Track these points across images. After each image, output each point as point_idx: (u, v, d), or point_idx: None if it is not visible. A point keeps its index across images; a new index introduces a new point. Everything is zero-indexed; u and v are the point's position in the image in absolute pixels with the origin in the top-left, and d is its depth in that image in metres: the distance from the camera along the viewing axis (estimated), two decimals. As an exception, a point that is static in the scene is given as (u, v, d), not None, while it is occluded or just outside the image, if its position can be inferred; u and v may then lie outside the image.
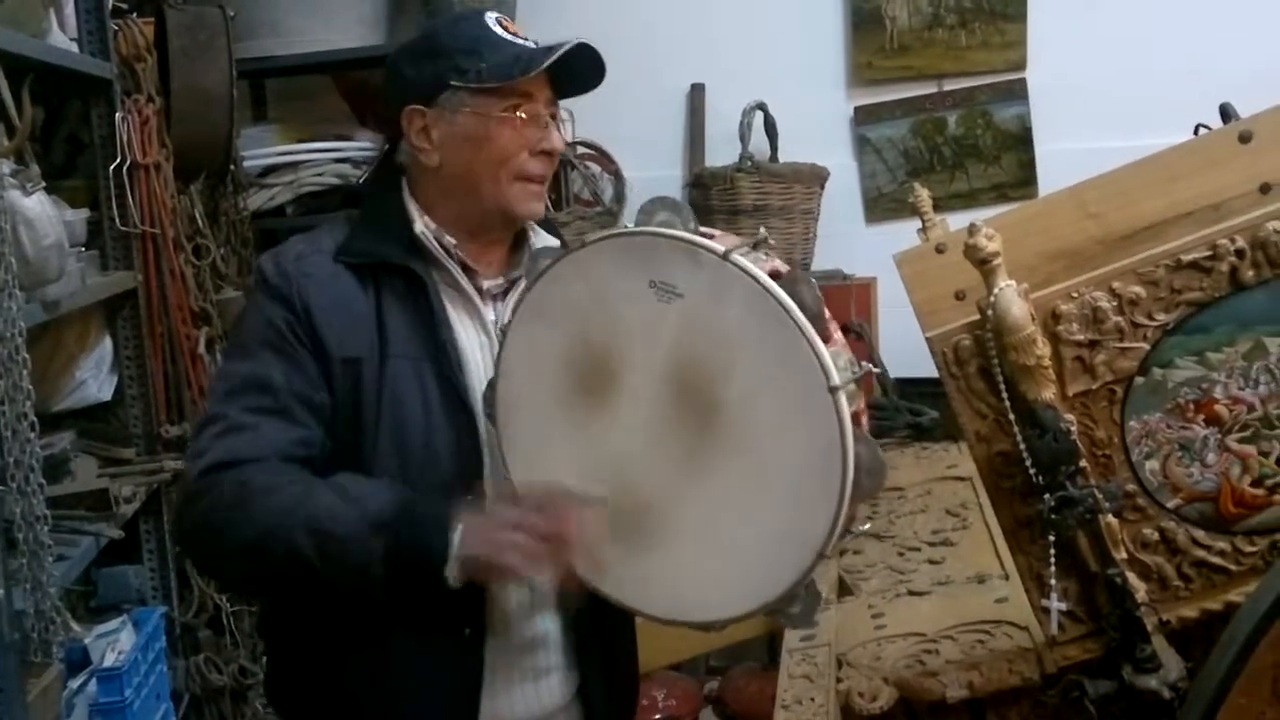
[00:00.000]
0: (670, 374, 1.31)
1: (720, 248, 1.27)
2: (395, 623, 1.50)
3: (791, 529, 1.26)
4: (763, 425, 1.27)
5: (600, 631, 1.61)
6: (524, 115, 1.53)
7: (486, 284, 1.59)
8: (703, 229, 1.33)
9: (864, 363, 1.29)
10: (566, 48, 1.51)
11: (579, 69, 1.56)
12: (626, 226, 1.35)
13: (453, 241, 1.56)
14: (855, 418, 1.26)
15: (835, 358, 1.24)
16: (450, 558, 1.35)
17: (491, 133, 1.53)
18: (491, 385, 1.47)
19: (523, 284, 1.47)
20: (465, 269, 1.58)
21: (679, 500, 1.34)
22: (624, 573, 1.41)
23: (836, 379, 1.22)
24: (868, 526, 2.18)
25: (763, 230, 1.36)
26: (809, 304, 1.25)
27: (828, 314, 1.28)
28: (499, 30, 1.54)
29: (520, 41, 1.55)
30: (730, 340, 1.27)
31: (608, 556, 1.35)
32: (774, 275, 1.27)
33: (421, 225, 1.56)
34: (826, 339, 1.25)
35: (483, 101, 1.53)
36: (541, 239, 1.65)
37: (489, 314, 1.57)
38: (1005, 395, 1.41)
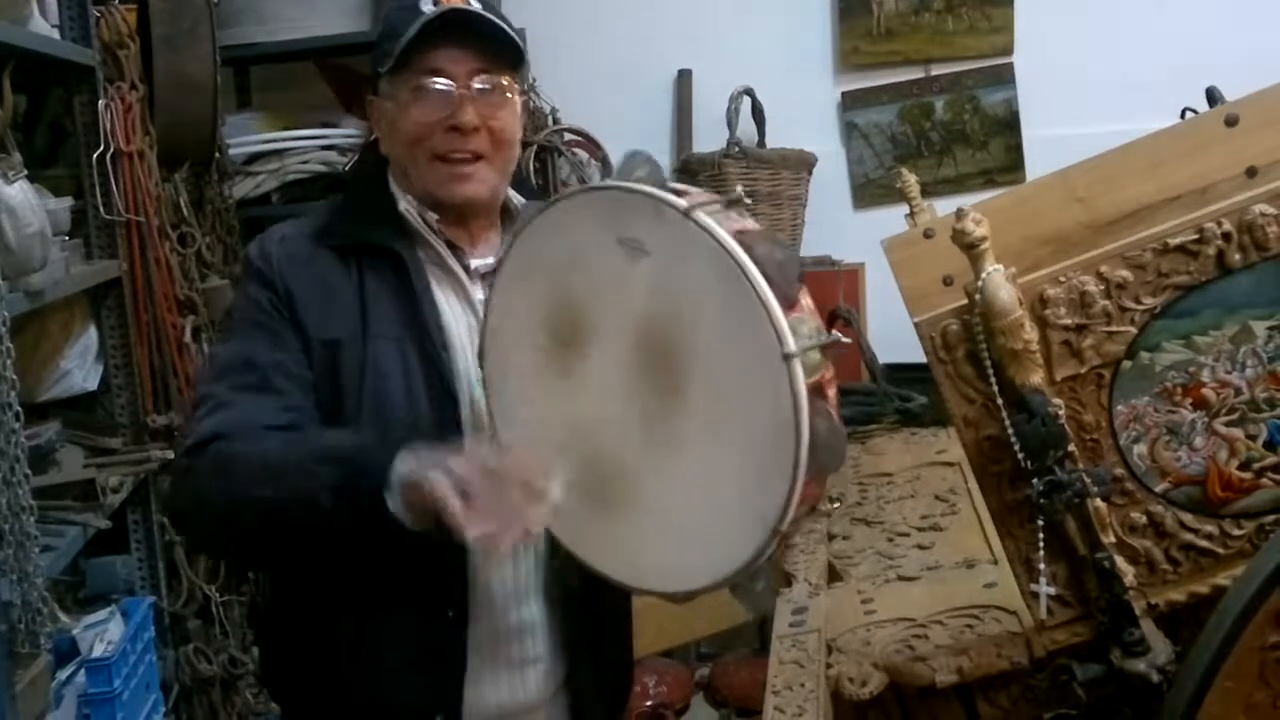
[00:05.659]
0: (639, 334, 1.28)
1: (683, 204, 1.22)
2: (379, 604, 1.51)
3: (749, 503, 1.21)
4: (722, 392, 1.23)
5: (590, 622, 1.60)
6: (435, 85, 1.50)
7: (475, 263, 1.58)
8: (678, 186, 1.29)
9: (832, 331, 1.22)
10: (429, 15, 1.48)
11: (492, 34, 1.52)
12: (601, 181, 1.33)
13: (435, 218, 1.56)
14: (819, 388, 1.20)
15: (799, 324, 1.18)
16: (393, 485, 1.31)
17: (403, 113, 1.53)
18: (482, 335, 1.46)
19: None
20: (452, 248, 1.57)
21: (645, 466, 1.31)
22: (592, 536, 1.39)
23: (792, 346, 1.15)
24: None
25: (739, 188, 1.30)
26: (772, 265, 1.18)
27: (798, 279, 1.22)
28: (427, 6, 1.50)
29: (433, 12, 1.50)
30: (692, 300, 1.23)
31: (562, 518, 1.31)
32: (741, 234, 1.21)
33: (405, 204, 1.56)
34: (792, 304, 1.19)
35: (396, 82, 1.53)
36: None
37: (477, 294, 1.55)
38: (993, 380, 1.41)
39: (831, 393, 1.24)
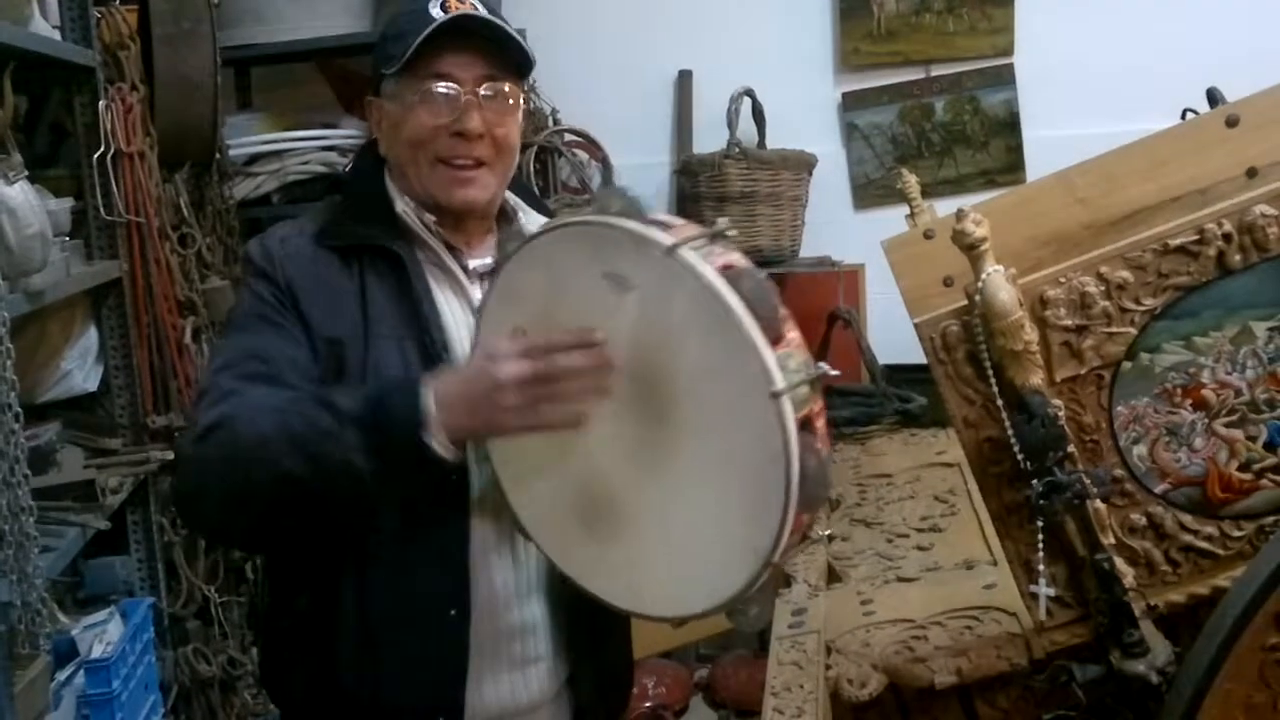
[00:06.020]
0: (626, 367, 1.28)
1: (667, 241, 1.22)
2: (381, 603, 1.50)
3: (739, 534, 1.23)
4: (711, 426, 1.24)
5: (591, 622, 1.59)
6: (442, 89, 1.50)
7: (473, 263, 1.58)
8: (663, 218, 1.30)
9: (820, 364, 1.23)
10: (442, 19, 1.48)
11: (501, 42, 1.53)
12: (583, 214, 1.32)
13: (433, 219, 1.56)
14: (808, 421, 1.21)
15: (786, 359, 1.19)
16: (427, 425, 1.31)
17: (408, 115, 1.53)
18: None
19: None
20: (450, 248, 1.57)
21: (638, 495, 1.32)
22: (587, 561, 1.40)
23: (779, 383, 1.16)
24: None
25: (722, 221, 1.30)
26: (758, 302, 1.19)
27: (783, 313, 1.23)
28: (435, 11, 1.50)
29: (443, 18, 1.50)
30: (678, 337, 1.24)
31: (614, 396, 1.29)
32: (726, 269, 1.22)
33: (402, 205, 1.56)
34: (778, 339, 1.20)
35: (402, 85, 1.53)
36: (532, 220, 1.63)
37: (476, 293, 1.56)
38: (993, 381, 1.41)
39: (820, 424, 1.25)
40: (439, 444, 1.32)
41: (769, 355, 1.17)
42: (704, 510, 1.26)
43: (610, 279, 1.27)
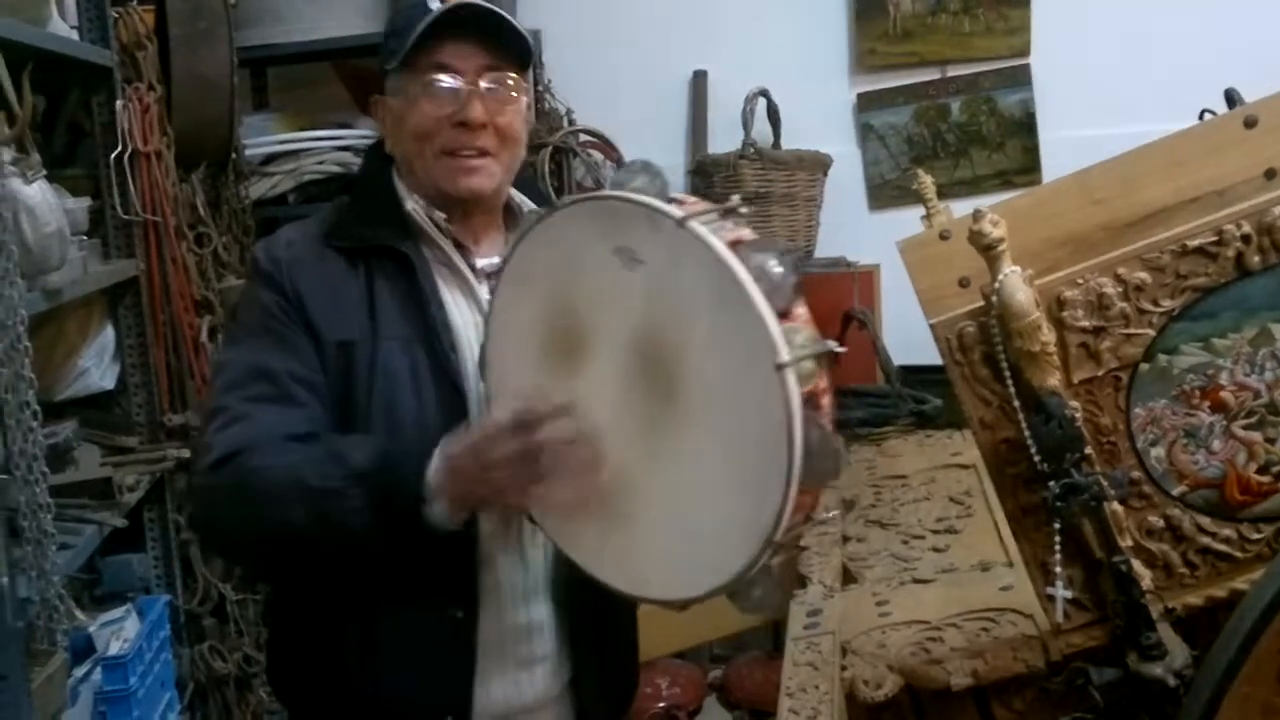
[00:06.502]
0: (634, 343, 1.28)
1: (678, 213, 1.22)
2: (387, 603, 1.51)
3: (742, 512, 1.21)
4: (717, 401, 1.23)
5: (596, 623, 1.60)
6: (443, 81, 1.51)
7: (481, 263, 1.58)
8: (674, 195, 1.29)
9: (827, 341, 1.21)
10: (438, 12, 1.50)
11: (500, 32, 1.53)
12: (599, 191, 1.32)
13: (443, 216, 1.56)
14: (813, 398, 1.20)
15: (792, 333, 1.18)
16: (429, 496, 1.34)
17: (411, 109, 1.54)
18: (484, 346, 1.48)
19: None
20: (459, 247, 1.58)
21: (642, 475, 1.31)
22: (593, 545, 1.40)
23: (784, 355, 1.15)
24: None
25: (735, 198, 1.30)
26: (766, 275, 1.18)
27: (795, 288, 1.21)
28: (433, 3, 1.51)
29: (441, 8, 1.51)
30: (687, 310, 1.23)
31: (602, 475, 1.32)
32: (736, 244, 1.21)
33: (412, 204, 1.57)
34: (786, 314, 1.19)
35: (404, 79, 1.54)
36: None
37: (484, 293, 1.55)
38: (1010, 382, 1.41)
39: (826, 401, 1.23)
40: (439, 513, 1.35)
41: (774, 327, 1.16)
42: (708, 488, 1.25)
43: (621, 254, 1.27)
